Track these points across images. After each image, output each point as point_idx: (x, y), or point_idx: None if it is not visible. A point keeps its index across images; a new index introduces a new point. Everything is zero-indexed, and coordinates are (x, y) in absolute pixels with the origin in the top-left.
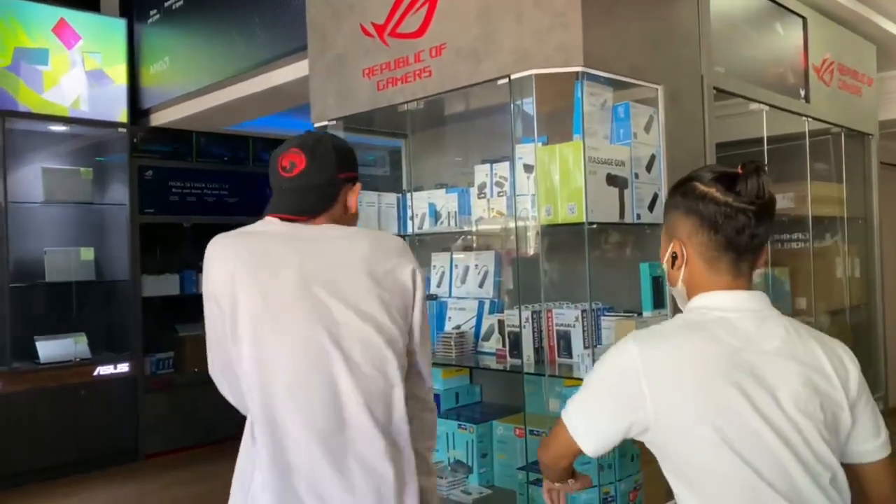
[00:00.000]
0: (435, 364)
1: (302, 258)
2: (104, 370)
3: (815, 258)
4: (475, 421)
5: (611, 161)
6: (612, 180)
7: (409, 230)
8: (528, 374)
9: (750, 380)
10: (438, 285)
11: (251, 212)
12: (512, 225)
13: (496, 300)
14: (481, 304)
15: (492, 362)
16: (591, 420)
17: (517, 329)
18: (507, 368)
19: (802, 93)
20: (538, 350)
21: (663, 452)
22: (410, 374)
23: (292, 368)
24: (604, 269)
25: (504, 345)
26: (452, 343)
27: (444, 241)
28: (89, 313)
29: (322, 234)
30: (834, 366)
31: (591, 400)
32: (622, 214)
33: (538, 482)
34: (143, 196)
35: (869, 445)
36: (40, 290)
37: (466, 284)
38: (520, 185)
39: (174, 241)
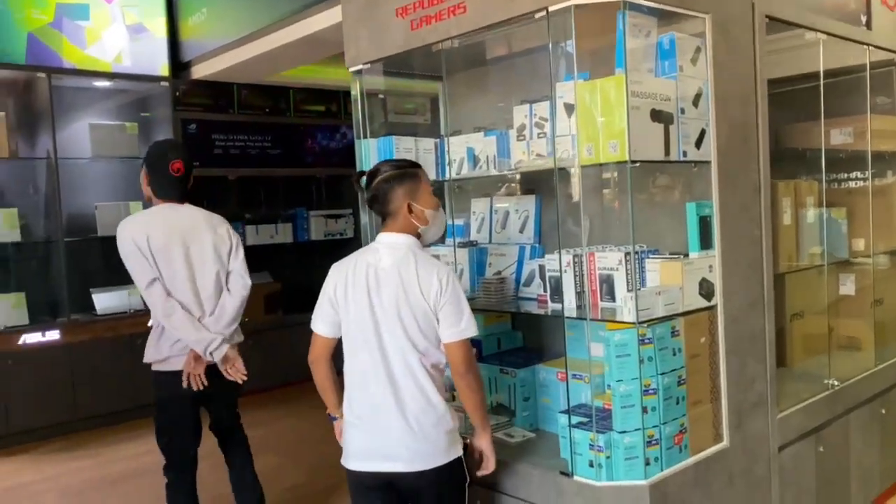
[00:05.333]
0: (476, 310)
1: (178, 223)
2: None
3: (875, 196)
4: (517, 365)
5: (655, 96)
6: (656, 116)
7: (447, 175)
8: (569, 318)
9: (374, 283)
10: (478, 231)
11: (292, 163)
12: (552, 167)
13: (537, 245)
14: (522, 250)
15: (533, 308)
16: (319, 316)
17: (558, 274)
18: (549, 313)
19: (864, 19)
20: (580, 294)
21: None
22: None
23: (179, 278)
24: (648, 210)
25: (545, 290)
26: (493, 289)
27: (483, 187)
28: None
29: (185, 208)
30: (421, 284)
31: (317, 307)
32: (667, 152)
33: (580, 425)
34: (187, 149)
35: (445, 332)
36: (93, 244)
37: (507, 230)
38: (560, 125)
39: (220, 194)
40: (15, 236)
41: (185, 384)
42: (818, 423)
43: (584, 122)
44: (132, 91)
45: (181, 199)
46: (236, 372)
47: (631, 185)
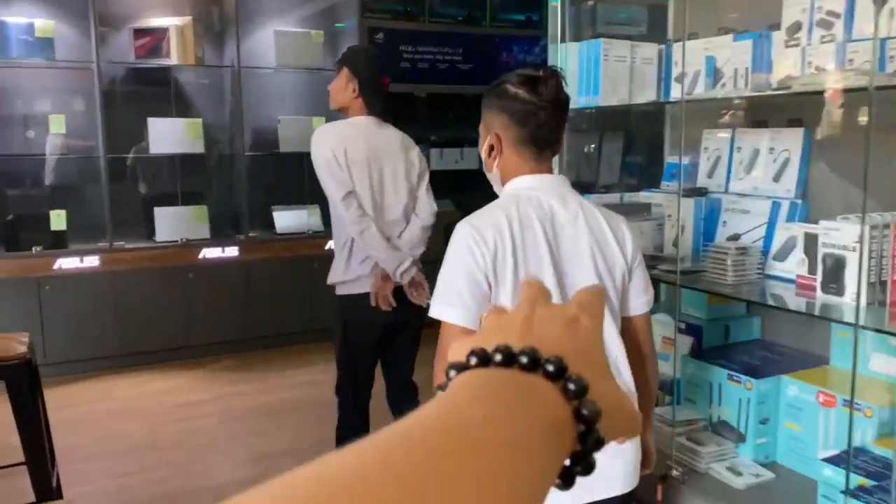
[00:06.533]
0: (699, 290)
1: (378, 142)
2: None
3: None
4: (754, 373)
5: None
6: None
7: (674, 95)
8: (850, 324)
9: (554, 244)
10: (710, 175)
11: (485, 80)
12: (848, 85)
13: (800, 201)
14: (776, 206)
15: (788, 294)
16: (455, 300)
17: (839, 250)
18: (816, 313)
19: None
20: (874, 286)
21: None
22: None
23: (367, 197)
24: None
25: (812, 271)
26: (728, 261)
27: (722, 113)
28: (320, 186)
29: (386, 128)
30: (616, 236)
31: (449, 287)
32: None
33: (862, 492)
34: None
35: (637, 301)
36: (275, 160)
37: (754, 175)
38: (859, 23)
39: (406, 112)
40: (199, 147)
41: (373, 303)
42: None
43: None
44: None
45: (385, 117)
46: (422, 296)
47: None
